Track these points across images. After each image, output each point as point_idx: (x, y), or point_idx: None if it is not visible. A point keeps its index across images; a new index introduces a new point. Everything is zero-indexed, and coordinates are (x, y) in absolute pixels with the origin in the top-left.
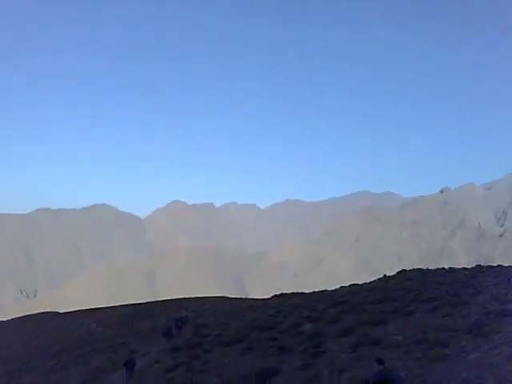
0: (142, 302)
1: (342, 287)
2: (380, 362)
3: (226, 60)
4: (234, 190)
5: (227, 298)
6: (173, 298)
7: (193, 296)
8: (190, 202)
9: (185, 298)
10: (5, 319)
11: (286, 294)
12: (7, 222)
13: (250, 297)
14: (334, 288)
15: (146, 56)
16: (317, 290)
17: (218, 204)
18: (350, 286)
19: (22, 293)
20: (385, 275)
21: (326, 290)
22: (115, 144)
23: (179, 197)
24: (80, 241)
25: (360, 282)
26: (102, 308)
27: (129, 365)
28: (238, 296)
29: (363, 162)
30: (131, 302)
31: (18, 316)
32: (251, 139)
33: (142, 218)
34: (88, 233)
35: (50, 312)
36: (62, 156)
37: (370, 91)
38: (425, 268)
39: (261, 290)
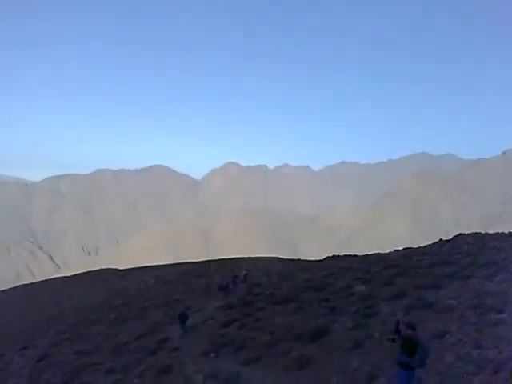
0: (196, 260)
1: (396, 250)
2: (410, 327)
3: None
4: (287, 152)
5: (280, 258)
6: (227, 257)
7: (246, 256)
8: (244, 164)
9: (238, 258)
10: (69, 275)
11: (338, 256)
12: (71, 182)
13: (302, 259)
14: (387, 251)
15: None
16: (370, 253)
17: (271, 166)
18: (405, 249)
19: (84, 250)
20: (441, 239)
21: (379, 253)
22: (174, 107)
23: (234, 158)
24: (138, 200)
25: (415, 246)
26: (159, 265)
27: (181, 318)
28: (290, 258)
29: (422, 123)
30: (187, 261)
31: (80, 272)
32: (304, 102)
33: (197, 179)
34: (146, 193)
35: (110, 269)
36: (121, 119)
37: (435, 55)
38: (483, 232)
39: (313, 253)
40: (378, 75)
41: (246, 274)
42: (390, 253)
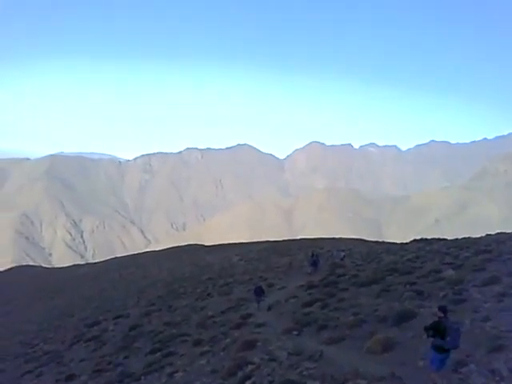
0: (279, 239)
1: (487, 235)
2: (442, 310)
3: None
4: (373, 131)
5: (364, 240)
6: (309, 237)
7: (329, 236)
8: (329, 143)
9: (321, 238)
10: (158, 249)
11: (426, 239)
12: (162, 160)
13: (386, 241)
14: (479, 236)
15: None
16: (460, 237)
17: (356, 145)
18: (498, 234)
19: (172, 226)
20: None
21: (470, 238)
22: (259, 87)
23: (318, 138)
24: (224, 179)
25: (509, 231)
26: (242, 243)
27: (257, 291)
28: (374, 239)
29: None
30: (269, 239)
31: (169, 247)
32: (390, 79)
33: (281, 158)
34: (232, 171)
35: (197, 244)
36: (207, 100)
37: None
38: None
39: (398, 235)
40: (473, 55)
41: (344, 256)
42: (481, 237)
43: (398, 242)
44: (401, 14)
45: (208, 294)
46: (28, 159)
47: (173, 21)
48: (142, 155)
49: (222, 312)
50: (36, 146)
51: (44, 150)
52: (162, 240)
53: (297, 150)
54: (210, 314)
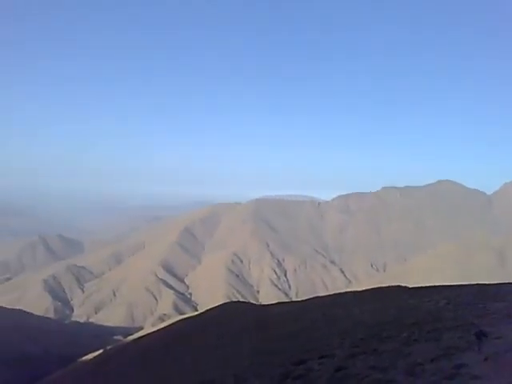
0: (491, 282)
1: None
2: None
3: None
4: None
5: None
6: None
7: None
8: None
9: None
10: (359, 289)
11: None
12: (359, 200)
13: None
14: None
15: None
16: None
17: None
18: None
19: (372, 266)
20: None
21: None
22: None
23: None
24: (425, 217)
25: None
26: (450, 285)
27: (478, 335)
28: None
29: None
30: (479, 282)
31: (370, 287)
32: None
33: (488, 193)
34: (433, 209)
35: (399, 286)
36: (410, 139)
37: None
38: None
39: None
40: None
41: None
42: None
43: None
44: None
45: (414, 340)
46: (239, 203)
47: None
48: (339, 196)
49: (432, 360)
50: (246, 190)
51: (253, 193)
52: (362, 280)
53: (506, 183)
54: (418, 360)
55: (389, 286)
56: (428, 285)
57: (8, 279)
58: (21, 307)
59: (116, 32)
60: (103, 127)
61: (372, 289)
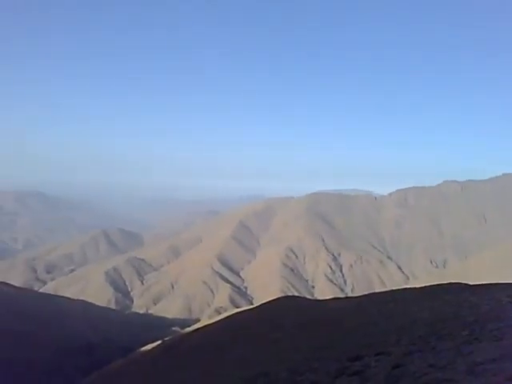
0: None
1: None
2: None
3: None
4: None
5: None
6: None
7: None
8: None
9: None
10: (417, 286)
11: None
12: (418, 194)
13: None
14: None
15: None
16: None
17: None
18: None
19: (431, 262)
20: None
21: None
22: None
23: None
24: (488, 212)
25: None
26: None
27: None
28: None
29: None
30: None
31: (429, 284)
32: None
33: None
34: (496, 204)
35: (460, 283)
36: (472, 130)
37: None
38: None
39: None
40: None
41: None
42: None
43: None
44: None
45: (475, 338)
46: (292, 197)
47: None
48: (397, 190)
49: (493, 359)
50: (300, 184)
51: (306, 187)
52: (421, 277)
53: None
54: (478, 360)
55: (449, 283)
56: (491, 282)
57: (72, 271)
58: (84, 298)
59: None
60: (162, 125)
61: (431, 286)
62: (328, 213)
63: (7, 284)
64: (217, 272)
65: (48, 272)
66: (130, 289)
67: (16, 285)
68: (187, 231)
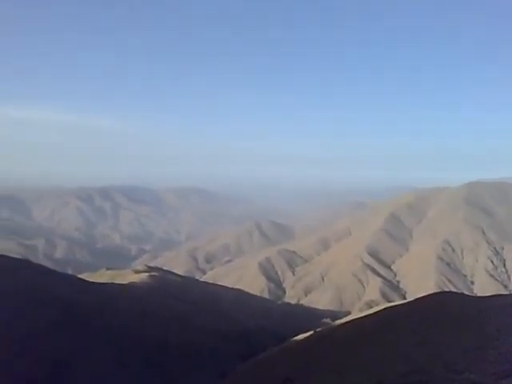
0: None
1: None
2: None
3: None
4: None
5: None
6: None
7: None
8: None
9: None
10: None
11: None
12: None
13: None
14: None
15: None
16: None
17: None
18: None
19: None
20: None
21: None
22: None
23: None
24: None
25: None
26: None
27: None
28: None
29: None
30: None
31: None
32: None
33: None
34: None
35: None
36: None
37: None
38: None
39: None
40: None
41: None
42: None
43: None
44: None
45: None
46: (447, 187)
47: None
48: None
49: None
50: (451, 173)
51: (459, 176)
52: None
53: None
54: None
55: None
56: None
57: (229, 261)
58: (240, 287)
59: None
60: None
61: None
62: (489, 203)
63: (172, 272)
64: (367, 265)
65: (208, 262)
66: (282, 279)
67: (179, 273)
68: (335, 223)
